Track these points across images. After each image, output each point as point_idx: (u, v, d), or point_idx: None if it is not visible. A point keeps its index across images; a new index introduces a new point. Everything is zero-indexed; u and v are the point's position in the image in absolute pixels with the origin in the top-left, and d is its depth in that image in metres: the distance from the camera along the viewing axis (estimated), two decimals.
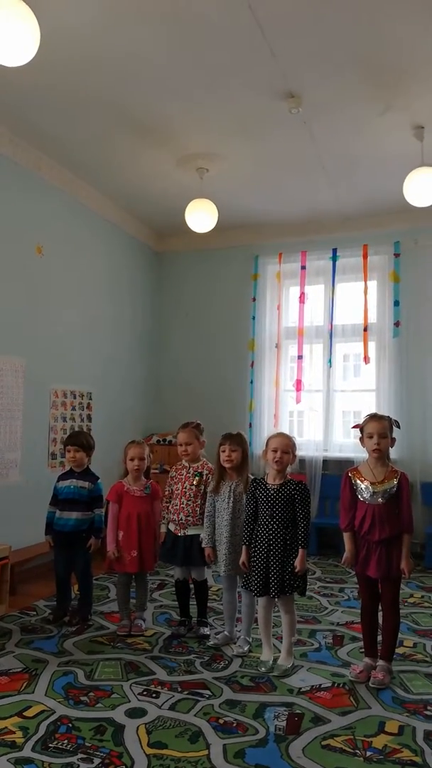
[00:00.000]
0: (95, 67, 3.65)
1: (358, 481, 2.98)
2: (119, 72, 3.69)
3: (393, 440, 3.01)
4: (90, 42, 3.41)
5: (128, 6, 3.10)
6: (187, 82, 3.78)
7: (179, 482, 3.53)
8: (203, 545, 3.31)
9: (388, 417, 3.03)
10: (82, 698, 2.64)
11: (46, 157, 4.89)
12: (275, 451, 3.06)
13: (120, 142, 4.59)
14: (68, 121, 4.30)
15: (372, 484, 2.93)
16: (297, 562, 2.94)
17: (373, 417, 3.02)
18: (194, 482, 3.47)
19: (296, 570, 2.94)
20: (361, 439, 3.04)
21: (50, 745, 2.26)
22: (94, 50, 3.48)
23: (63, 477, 3.77)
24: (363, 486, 2.96)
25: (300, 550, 2.97)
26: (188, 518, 3.43)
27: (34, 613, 3.79)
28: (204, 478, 3.46)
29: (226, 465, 3.29)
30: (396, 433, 3.07)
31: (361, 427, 3.04)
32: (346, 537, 3.01)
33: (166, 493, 3.57)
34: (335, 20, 3.19)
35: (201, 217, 5.00)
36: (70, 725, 2.41)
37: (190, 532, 3.42)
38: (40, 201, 4.91)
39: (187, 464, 3.56)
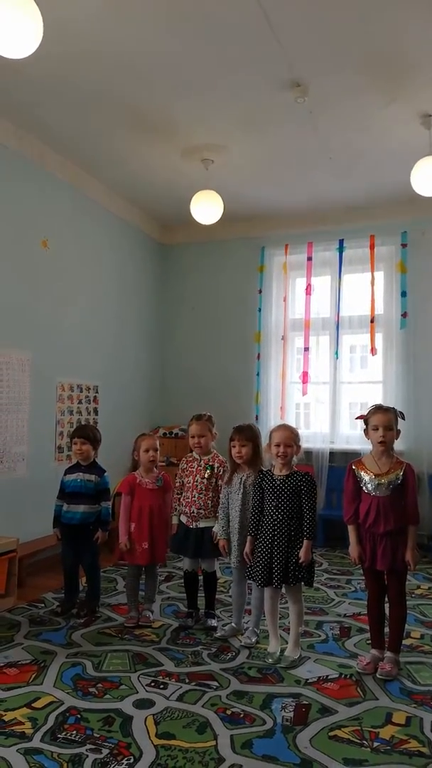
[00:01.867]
0: (100, 60, 3.63)
1: (362, 473, 2.97)
2: (124, 65, 3.67)
3: (398, 432, 2.99)
4: (95, 35, 3.39)
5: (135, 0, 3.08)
6: (193, 73, 3.75)
7: (190, 475, 3.53)
8: (218, 537, 3.31)
9: (393, 408, 3.01)
10: (90, 689, 2.66)
11: (51, 151, 4.87)
12: (278, 445, 3.05)
13: (125, 134, 4.57)
14: (73, 114, 4.28)
15: (376, 476, 2.92)
16: (302, 553, 2.94)
17: (378, 408, 3.00)
18: (206, 475, 3.48)
19: (301, 561, 2.94)
20: (366, 431, 3.02)
21: (59, 735, 2.28)
22: (99, 44, 3.46)
23: (69, 470, 3.79)
24: (367, 478, 2.94)
25: (305, 541, 2.97)
26: (200, 511, 3.43)
27: (43, 605, 3.82)
28: (215, 471, 3.47)
29: (238, 460, 3.29)
30: (402, 424, 3.06)
31: (365, 419, 3.02)
32: (350, 530, 3.00)
33: (177, 485, 3.59)
34: (341, 11, 3.15)
35: (206, 208, 4.97)
36: (79, 716, 2.43)
37: (202, 524, 3.43)
38: (45, 194, 4.90)
39: (198, 457, 3.56)
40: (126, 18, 3.25)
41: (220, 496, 3.38)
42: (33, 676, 2.79)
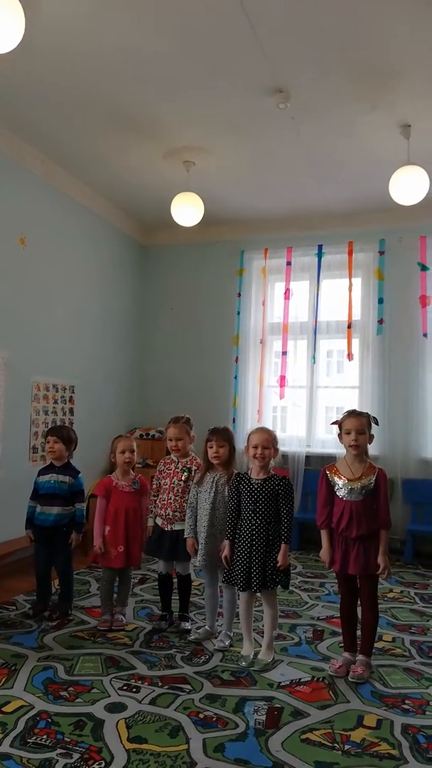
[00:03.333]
0: (84, 60, 3.60)
1: (336, 478, 3.00)
2: (108, 65, 3.65)
3: (371, 437, 3.02)
4: (79, 35, 3.36)
5: (120, 0, 3.07)
6: (176, 76, 3.75)
7: (167, 477, 3.52)
8: (185, 536, 3.30)
9: (367, 414, 3.05)
10: (61, 693, 2.63)
11: (31, 148, 4.82)
12: (256, 447, 3.06)
13: (106, 134, 4.55)
14: (55, 112, 4.24)
15: (349, 480, 2.95)
16: (279, 557, 2.95)
17: (351, 413, 3.04)
18: (183, 477, 3.47)
19: (278, 565, 2.95)
20: (340, 436, 3.05)
21: (29, 740, 2.25)
22: (83, 43, 3.44)
23: (43, 471, 3.74)
24: (340, 483, 2.97)
25: (282, 545, 2.98)
26: (176, 513, 3.42)
27: (14, 607, 3.76)
28: (192, 473, 3.46)
29: (215, 461, 3.28)
30: (377, 429, 3.09)
31: (339, 424, 3.06)
32: (323, 534, 3.02)
33: (154, 486, 3.57)
34: (325, 18, 3.18)
35: (187, 210, 4.97)
36: (50, 720, 2.40)
37: (177, 527, 3.42)
38: (23, 192, 4.84)
39: (175, 459, 3.55)
40: (111, 20, 3.23)
41: (189, 495, 3.37)
42: (3, 679, 2.74)
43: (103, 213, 6.02)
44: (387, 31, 3.28)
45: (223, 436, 3.29)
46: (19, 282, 4.81)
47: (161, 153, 4.82)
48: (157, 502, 3.52)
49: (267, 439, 3.08)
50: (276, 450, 3.12)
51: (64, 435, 3.73)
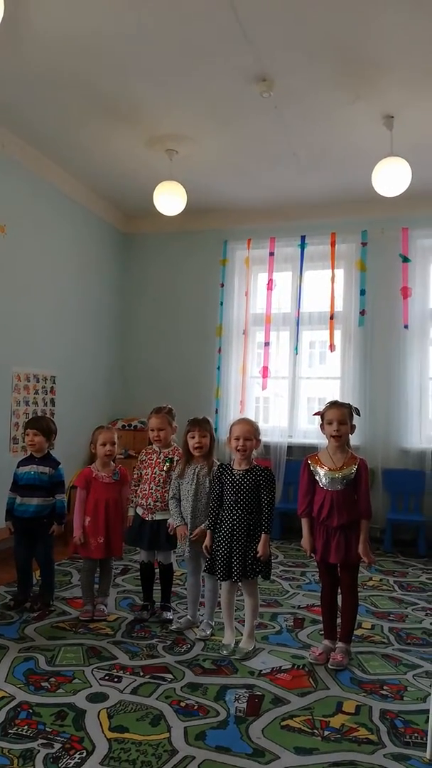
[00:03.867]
0: (65, 45, 3.54)
1: (318, 468, 3.02)
2: (89, 50, 3.59)
3: (353, 427, 3.05)
4: (60, 19, 3.30)
5: None
6: (159, 62, 3.70)
7: (149, 467, 3.52)
8: (175, 525, 3.28)
9: (348, 404, 3.07)
10: (43, 684, 2.63)
11: (11, 134, 4.73)
12: (238, 438, 3.07)
13: (88, 120, 4.48)
14: (35, 98, 4.17)
15: (331, 470, 2.98)
16: (260, 547, 2.97)
17: (333, 404, 3.06)
18: (165, 468, 3.47)
19: (259, 555, 2.97)
20: (322, 426, 3.07)
21: (10, 731, 2.25)
22: (64, 28, 3.37)
23: (23, 463, 3.71)
24: (322, 472, 2.99)
25: (263, 535, 2.99)
26: (157, 503, 3.42)
27: None
28: (174, 464, 3.46)
29: (197, 452, 3.28)
30: (358, 420, 3.12)
31: (321, 414, 3.07)
32: (304, 523, 3.05)
33: (135, 476, 3.56)
34: (310, 8, 3.16)
35: (170, 199, 4.94)
36: (31, 711, 2.40)
37: (158, 517, 3.42)
38: (4, 179, 4.76)
39: (157, 449, 3.55)
40: (93, 4, 3.17)
41: (171, 487, 3.37)
42: None
43: (85, 201, 5.95)
44: (372, 22, 3.27)
45: (205, 426, 3.30)
46: (0, 271, 4.74)
47: (144, 140, 4.76)
48: (138, 491, 3.51)
49: (249, 431, 3.09)
50: (258, 441, 3.13)
51: (43, 426, 3.69)
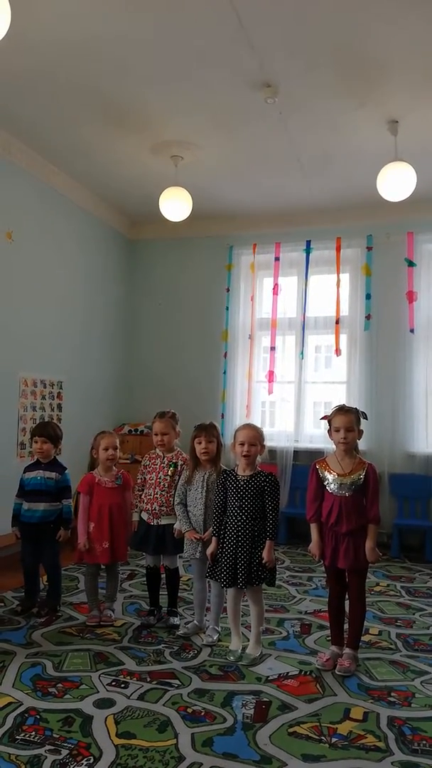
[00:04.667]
0: (70, 52, 3.57)
1: (326, 473, 3.01)
2: (94, 56, 3.62)
3: (360, 432, 3.04)
4: (65, 26, 3.33)
5: None
6: (164, 69, 3.73)
7: (153, 472, 3.52)
8: (184, 531, 3.28)
9: (355, 409, 3.06)
10: (50, 689, 2.63)
11: (17, 141, 4.77)
12: (242, 444, 3.06)
13: (94, 127, 4.51)
14: (41, 104, 4.20)
15: (339, 475, 2.97)
16: (265, 554, 2.97)
17: (340, 410, 3.04)
18: (169, 472, 3.47)
19: (264, 561, 2.96)
20: (329, 432, 3.07)
21: (17, 737, 2.25)
22: (68, 34, 3.40)
23: (29, 468, 3.72)
24: (330, 477, 2.99)
25: (267, 541, 2.99)
26: (162, 508, 3.42)
27: (2, 604, 3.75)
28: (179, 468, 3.46)
29: (203, 457, 3.28)
30: (365, 424, 3.11)
31: (328, 420, 3.07)
32: (313, 528, 3.04)
33: (138, 481, 3.56)
34: (313, 13, 3.18)
35: (175, 205, 4.96)
36: (38, 717, 2.40)
37: (164, 521, 3.42)
38: (10, 186, 4.80)
39: (161, 454, 3.55)
40: (97, 11, 3.20)
41: (177, 493, 3.36)
42: None
43: (91, 207, 5.98)
44: (375, 27, 3.28)
45: (212, 432, 3.30)
46: (6, 277, 4.77)
47: (149, 147, 4.79)
48: (143, 497, 3.51)
49: (254, 436, 3.08)
50: (263, 447, 3.12)
51: (51, 433, 3.70)
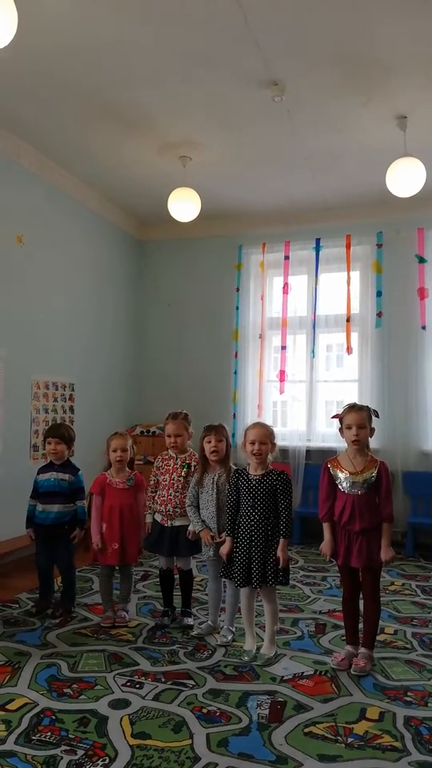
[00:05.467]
0: (76, 55, 3.58)
1: (338, 472, 3.00)
2: (100, 59, 3.63)
3: (372, 430, 3.02)
4: (70, 28, 3.34)
5: None
6: (169, 69, 3.73)
7: (166, 473, 3.52)
8: (198, 530, 3.27)
9: (367, 407, 3.03)
10: (65, 690, 2.64)
11: (26, 145, 4.80)
12: (253, 443, 3.05)
13: (101, 129, 4.53)
14: (49, 108, 4.23)
15: (351, 474, 2.95)
16: (279, 553, 2.95)
17: (351, 408, 3.02)
18: (182, 473, 3.46)
19: (279, 560, 2.95)
20: (341, 430, 3.05)
21: (33, 737, 2.26)
22: (74, 37, 3.42)
23: (43, 470, 3.74)
24: (342, 476, 2.97)
25: (281, 540, 2.98)
26: (176, 509, 3.42)
27: (17, 605, 3.77)
28: (192, 469, 3.45)
29: (213, 457, 3.27)
30: (377, 422, 3.09)
31: (340, 418, 3.05)
32: (325, 527, 3.03)
33: (152, 482, 3.56)
34: (319, 11, 3.16)
35: (184, 206, 4.96)
36: (54, 717, 2.41)
37: (177, 523, 3.42)
38: (20, 190, 4.83)
39: (174, 455, 3.55)
40: (102, 13, 3.21)
41: (189, 494, 3.36)
42: (7, 677, 2.75)
43: (100, 210, 6.00)
44: (381, 23, 3.25)
45: (221, 431, 3.29)
46: (17, 280, 4.80)
47: (157, 148, 4.80)
48: (156, 498, 3.51)
49: (264, 435, 3.07)
50: (274, 445, 3.11)
51: (64, 434, 3.72)
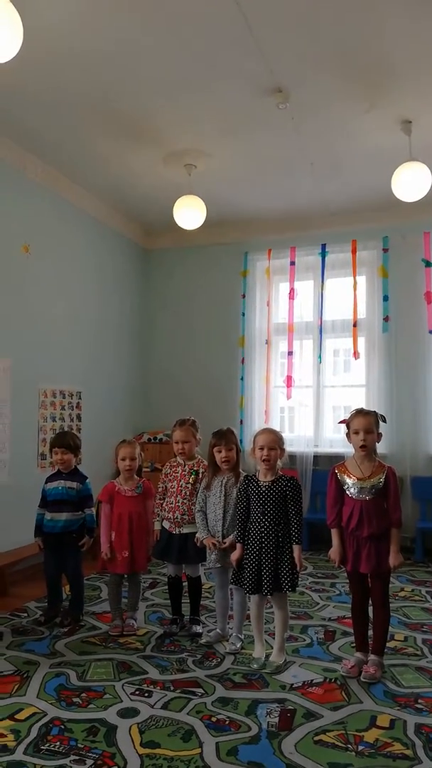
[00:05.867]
0: (81, 64, 3.62)
1: (345, 477, 2.98)
2: (105, 69, 3.66)
3: (379, 435, 3.00)
4: (75, 38, 3.38)
5: (115, 1, 3.07)
6: (174, 78, 3.75)
7: (174, 480, 3.51)
8: (203, 537, 3.26)
9: (375, 412, 3.02)
10: (74, 699, 2.63)
11: (32, 156, 4.84)
12: (262, 449, 3.04)
13: (106, 139, 4.56)
14: (54, 118, 4.26)
15: (359, 479, 2.94)
16: (296, 558, 2.94)
17: (359, 412, 3.01)
18: (190, 480, 3.46)
19: (297, 567, 2.94)
20: (348, 435, 3.04)
21: (42, 747, 2.25)
22: (79, 47, 3.45)
23: (51, 478, 3.75)
24: (350, 482, 2.96)
25: (295, 546, 2.96)
26: (184, 516, 3.41)
27: (26, 614, 3.78)
28: (200, 476, 3.44)
29: (224, 466, 3.26)
30: (385, 428, 3.07)
31: (347, 423, 3.04)
32: (334, 533, 3.01)
33: (160, 489, 3.56)
34: (322, 17, 3.18)
35: (189, 213, 4.98)
36: (63, 727, 2.40)
37: (186, 530, 3.41)
38: (26, 199, 4.87)
39: (182, 462, 3.54)
40: (106, 22, 3.24)
41: (197, 500, 3.35)
42: (16, 687, 2.75)
43: (106, 219, 6.04)
44: (385, 27, 3.26)
45: (231, 439, 3.28)
46: (23, 290, 4.83)
47: (161, 156, 4.83)
48: (164, 505, 3.51)
49: (273, 440, 3.06)
50: (282, 450, 3.10)
51: (69, 443, 3.73)
